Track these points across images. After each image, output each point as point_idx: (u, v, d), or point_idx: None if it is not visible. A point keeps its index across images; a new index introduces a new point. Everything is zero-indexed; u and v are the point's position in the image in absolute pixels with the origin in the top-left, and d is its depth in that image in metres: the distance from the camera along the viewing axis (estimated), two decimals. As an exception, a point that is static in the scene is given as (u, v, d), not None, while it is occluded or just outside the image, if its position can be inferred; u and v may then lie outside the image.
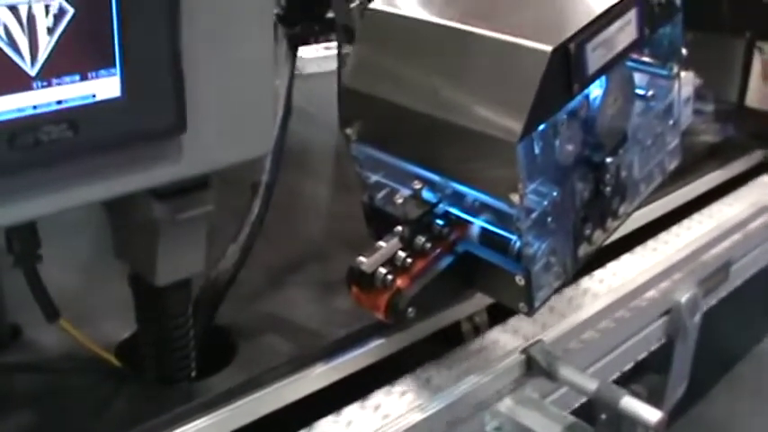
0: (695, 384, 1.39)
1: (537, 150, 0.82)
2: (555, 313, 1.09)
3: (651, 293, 1.23)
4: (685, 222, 1.41)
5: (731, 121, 1.66)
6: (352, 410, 0.90)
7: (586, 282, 1.19)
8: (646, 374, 1.30)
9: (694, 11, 1.03)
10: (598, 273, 1.22)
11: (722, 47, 1.64)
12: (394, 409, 0.90)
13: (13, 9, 0.56)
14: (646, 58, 0.99)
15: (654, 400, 0.93)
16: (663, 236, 1.36)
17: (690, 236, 1.36)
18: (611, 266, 1.24)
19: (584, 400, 1.07)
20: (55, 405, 0.84)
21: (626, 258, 1.27)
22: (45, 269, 0.77)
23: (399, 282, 0.83)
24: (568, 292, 1.13)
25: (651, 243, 1.33)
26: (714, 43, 1.58)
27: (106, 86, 0.62)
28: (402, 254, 0.83)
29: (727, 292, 1.43)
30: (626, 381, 1.19)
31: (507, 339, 1.03)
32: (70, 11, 0.58)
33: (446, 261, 0.87)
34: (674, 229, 1.38)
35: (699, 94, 1.51)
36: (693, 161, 1.47)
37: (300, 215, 1.28)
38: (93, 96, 0.61)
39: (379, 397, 0.92)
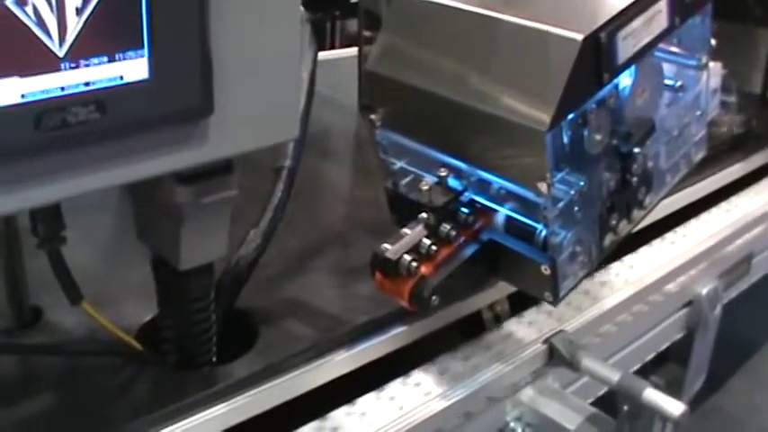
0: (712, 376, 1.39)
1: (565, 139, 0.82)
2: (572, 306, 1.08)
3: (671, 286, 1.22)
4: (703, 216, 1.40)
5: (754, 113, 1.64)
6: (367, 401, 0.90)
7: (603, 275, 1.18)
8: (664, 366, 1.29)
9: (719, 1, 1.02)
10: (615, 266, 1.21)
11: (746, 38, 1.62)
12: (411, 399, 0.90)
13: (43, -11, 0.55)
14: (675, 49, 0.98)
15: (672, 391, 0.92)
16: (680, 229, 1.35)
17: (711, 228, 1.35)
18: (629, 259, 1.23)
19: (603, 391, 1.06)
20: (74, 387, 0.84)
21: (644, 251, 1.26)
22: (67, 251, 0.77)
23: (424, 269, 0.82)
24: (585, 284, 1.12)
25: (670, 236, 1.32)
26: (738, 34, 1.57)
27: (134, 68, 0.61)
28: (427, 241, 0.83)
29: (748, 285, 1.43)
30: (645, 372, 1.19)
31: (525, 331, 1.03)
32: (99, -9, 0.58)
33: (471, 249, 0.87)
34: (693, 222, 1.37)
35: (722, 86, 1.50)
36: (714, 153, 1.45)
37: (322, 200, 1.28)
38: (121, 78, 0.61)
39: (395, 387, 0.92)
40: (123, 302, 0.93)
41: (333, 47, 2.34)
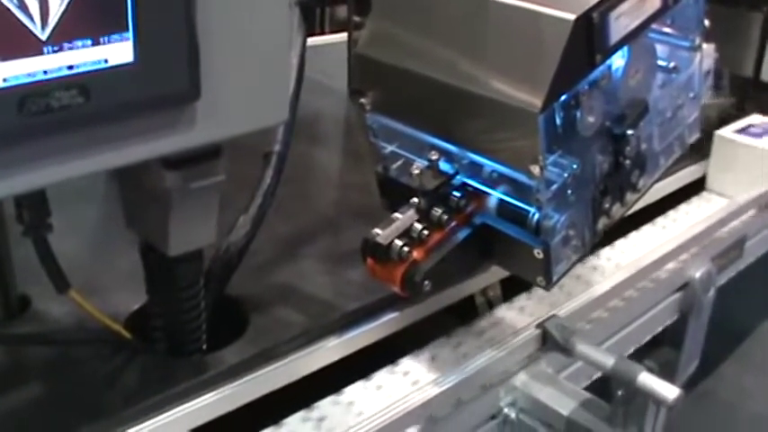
0: (704, 361, 1.38)
1: (558, 121, 0.81)
2: (564, 291, 1.07)
3: (664, 269, 1.22)
4: (695, 200, 1.41)
5: (746, 96, 1.64)
6: (354, 389, 0.89)
7: (595, 260, 1.18)
8: (657, 350, 1.29)
9: (711, -17, 1.01)
10: (607, 250, 1.21)
11: (738, 20, 1.61)
12: (402, 386, 0.90)
13: (24, -30, 0.54)
14: (668, 30, 0.98)
15: (665, 375, 0.92)
16: (672, 213, 1.35)
17: (704, 212, 1.35)
18: (620, 244, 1.23)
19: (596, 376, 1.06)
20: (63, 376, 0.83)
21: (636, 236, 1.26)
22: (54, 239, 0.76)
23: (415, 254, 0.81)
24: (577, 269, 1.11)
25: (661, 220, 1.32)
26: (730, 17, 1.56)
27: (118, 51, 0.60)
28: (418, 226, 0.82)
29: (742, 269, 1.42)
30: (638, 356, 1.18)
31: (518, 317, 1.02)
32: (82, -28, 0.57)
33: (463, 233, 0.86)
34: (684, 207, 1.38)
35: (714, 68, 1.49)
36: (707, 136, 1.45)
37: (312, 186, 1.27)
38: (106, 61, 0.60)
39: (383, 376, 0.91)
40: (112, 291, 0.92)
41: (322, 32, 2.33)
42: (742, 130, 1.46)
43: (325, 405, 0.87)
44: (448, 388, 0.89)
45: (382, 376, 0.91)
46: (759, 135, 1.44)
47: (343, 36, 1.69)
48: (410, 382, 0.90)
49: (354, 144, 1.47)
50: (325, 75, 1.61)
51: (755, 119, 1.52)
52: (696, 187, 1.45)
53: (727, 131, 1.45)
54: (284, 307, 0.93)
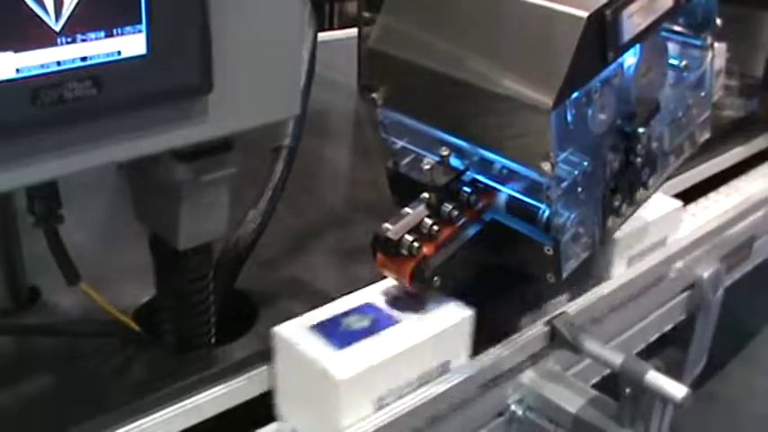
0: (710, 361, 1.38)
1: (569, 119, 0.80)
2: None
3: (673, 268, 1.21)
4: (701, 201, 1.40)
5: (755, 96, 1.64)
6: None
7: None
8: (665, 349, 1.29)
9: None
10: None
11: (748, 20, 1.61)
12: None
13: (39, -39, 0.54)
14: (679, 28, 0.97)
15: (672, 375, 0.91)
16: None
17: (713, 211, 1.35)
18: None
19: (604, 374, 1.06)
20: (71, 368, 0.83)
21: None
22: (65, 232, 0.76)
23: (425, 249, 0.81)
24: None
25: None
26: (740, 16, 1.56)
27: (132, 43, 0.60)
28: (428, 221, 0.82)
29: (750, 269, 1.42)
30: (645, 355, 1.18)
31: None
32: (96, -36, 0.57)
33: (473, 229, 0.86)
34: (693, 207, 1.37)
35: (725, 68, 1.49)
36: (716, 136, 1.45)
37: (321, 181, 1.27)
38: (119, 53, 0.60)
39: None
40: (121, 283, 0.92)
41: (331, 28, 2.33)
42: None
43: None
44: (455, 384, 0.89)
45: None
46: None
47: (352, 32, 1.68)
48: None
49: (363, 140, 1.47)
50: (334, 70, 1.60)
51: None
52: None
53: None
54: (293, 301, 0.93)
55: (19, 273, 0.91)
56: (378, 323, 0.83)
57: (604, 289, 1.08)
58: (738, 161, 1.51)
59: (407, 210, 0.83)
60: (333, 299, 0.87)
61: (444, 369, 0.86)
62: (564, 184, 0.82)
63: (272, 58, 0.71)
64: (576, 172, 0.84)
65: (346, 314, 0.84)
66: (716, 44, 1.03)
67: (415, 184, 0.89)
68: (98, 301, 0.80)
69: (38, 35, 0.56)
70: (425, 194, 0.83)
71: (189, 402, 0.80)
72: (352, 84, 1.58)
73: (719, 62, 1.20)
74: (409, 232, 0.81)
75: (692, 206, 1.37)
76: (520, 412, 0.95)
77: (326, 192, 1.24)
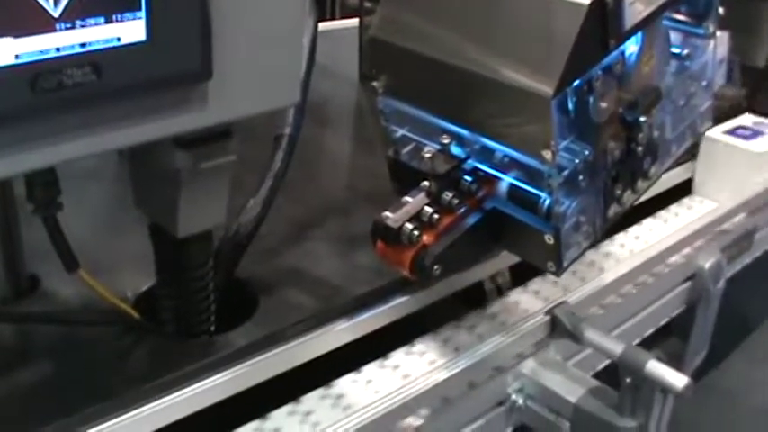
0: (711, 352, 1.38)
1: (571, 107, 0.80)
2: (576, 277, 1.07)
3: (674, 259, 1.22)
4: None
5: (757, 86, 1.63)
6: (371, 369, 0.90)
7: (608, 246, 1.17)
8: (665, 339, 1.29)
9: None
10: (620, 236, 1.21)
11: (750, 10, 1.61)
12: (414, 369, 0.90)
13: (37, -53, 0.54)
14: (682, 17, 0.97)
15: (673, 365, 0.91)
16: (686, 200, 1.35)
17: (714, 202, 1.35)
18: (634, 230, 1.23)
19: (605, 364, 1.06)
20: (71, 356, 0.83)
21: (649, 223, 1.26)
22: (63, 220, 0.76)
23: (425, 238, 0.81)
24: (590, 255, 1.11)
25: (674, 208, 1.32)
26: (741, 6, 1.55)
27: (131, 30, 0.60)
28: (429, 209, 0.82)
29: (750, 260, 1.42)
30: (646, 345, 1.18)
31: (529, 301, 1.02)
32: (95, -50, 0.56)
33: (473, 218, 0.85)
34: (686, 201, 1.36)
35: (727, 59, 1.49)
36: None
37: (321, 169, 1.27)
38: (118, 40, 0.59)
39: (399, 356, 0.92)
40: (121, 271, 0.92)
41: (333, 18, 2.32)
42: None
43: (344, 383, 0.87)
44: (460, 370, 0.89)
45: (399, 356, 0.92)
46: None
47: (354, 22, 1.68)
48: (426, 361, 0.91)
49: (364, 129, 1.47)
50: (336, 60, 1.60)
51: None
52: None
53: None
54: (293, 289, 0.93)
55: (19, 261, 0.91)
56: None
57: (606, 278, 1.08)
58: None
59: (407, 198, 0.83)
60: (333, 287, 0.87)
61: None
62: (565, 173, 0.82)
63: (273, 46, 0.70)
64: (578, 160, 0.83)
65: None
66: (718, 33, 1.03)
67: (416, 172, 0.88)
68: (97, 289, 0.80)
69: (37, 21, 0.55)
70: (426, 183, 0.83)
71: (189, 390, 0.80)
72: (353, 74, 1.58)
73: (722, 51, 1.19)
74: (409, 220, 0.81)
75: (686, 200, 1.37)
76: (520, 401, 0.95)
77: (327, 180, 1.24)
